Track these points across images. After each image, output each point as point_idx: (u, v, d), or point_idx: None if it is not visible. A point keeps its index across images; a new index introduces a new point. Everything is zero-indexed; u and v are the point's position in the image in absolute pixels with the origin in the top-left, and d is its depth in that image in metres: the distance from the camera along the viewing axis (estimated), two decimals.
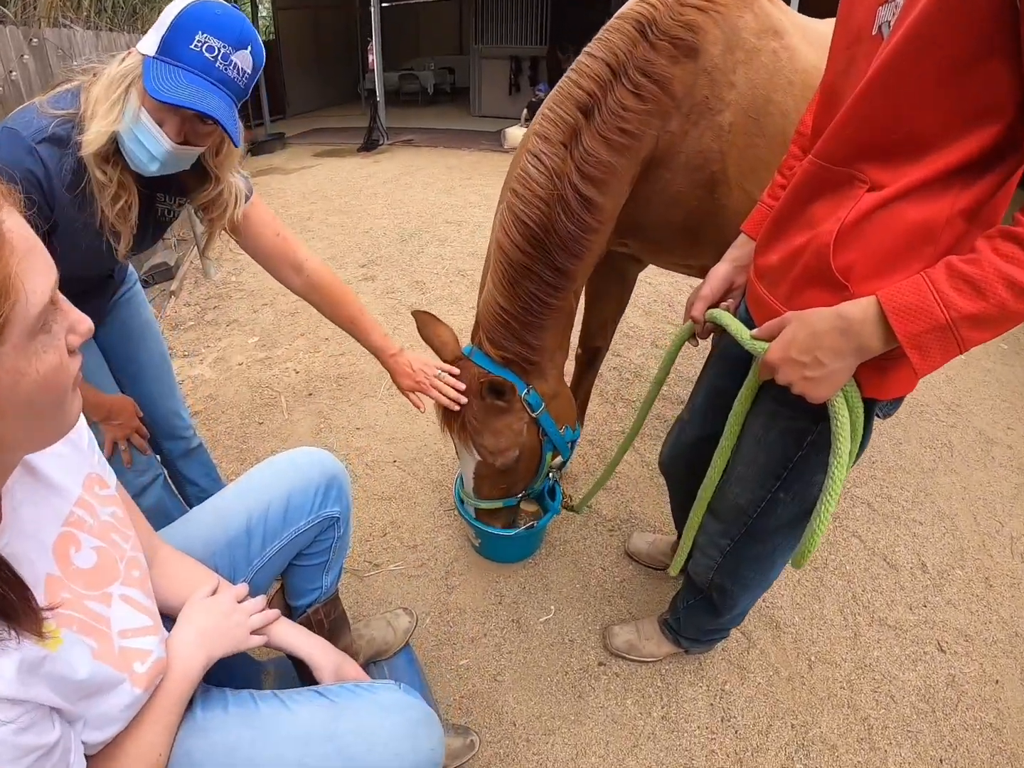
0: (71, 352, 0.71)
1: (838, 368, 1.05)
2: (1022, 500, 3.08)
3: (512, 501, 2.11)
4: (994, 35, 0.87)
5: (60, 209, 1.30)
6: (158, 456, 2.08)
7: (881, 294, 0.98)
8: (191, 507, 2.12)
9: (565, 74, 1.68)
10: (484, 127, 12.10)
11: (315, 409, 3.31)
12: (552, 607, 2.29)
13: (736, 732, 1.93)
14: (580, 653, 2.14)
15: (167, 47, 1.21)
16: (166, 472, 2.12)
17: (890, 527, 2.80)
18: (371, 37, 11.05)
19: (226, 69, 1.23)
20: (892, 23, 1.01)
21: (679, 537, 2.14)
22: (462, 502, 2.24)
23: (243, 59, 1.25)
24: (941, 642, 2.30)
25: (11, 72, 3.36)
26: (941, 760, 1.92)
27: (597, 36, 1.66)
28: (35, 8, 4.87)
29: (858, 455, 1.26)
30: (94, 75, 1.31)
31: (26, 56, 3.54)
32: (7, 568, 0.68)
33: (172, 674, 0.97)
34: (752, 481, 1.42)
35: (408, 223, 6.31)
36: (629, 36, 1.58)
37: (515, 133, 10.17)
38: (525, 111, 10.99)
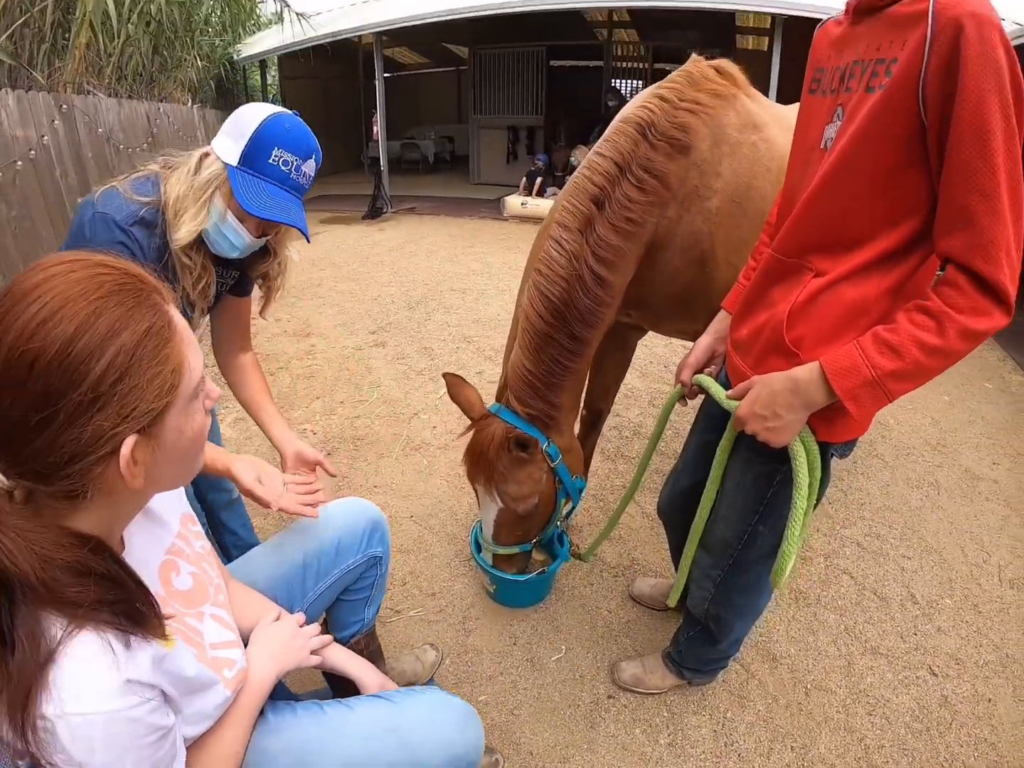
0: (207, 413, 0.94)
1: (792, 419, 1.33)
2: (1008, 531, 3.26)
3: (527, 547, 2.32)
4: (912, 150, 1.17)
5: None
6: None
7: (823, 359, 1.26)
8: (228, 555, 2.33)
9: (578, 169, 1.99)
10: (483, 195, 12.52)
11: (334, 469, 3.52)
12: (563, 647, 2.44)
13: (739, 756, 2.07)
14: (591, 687, 2.28)
15: (249, 160, 1.49)
16: (207, 521, 2.33)
17: (879, 563, 2.96)
18: (375, 109, 11.51)
19: (297, 178, 1.53)
20: (833, 137, 1.31)
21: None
22: (479, 550, 2.45)
23: (309, 167, 1.55)
24: (932, 666, 2.45)
25: (43, 137, 3.56)
26: None
27: (604, 137, 1.98)
28: (61, 74, 5.26)
29: (821, 490, 1.49)
30: (167, 167, 1.59)
31: (56, 121, 3.74)
32: (138, 582, 0.87)
33: (249, 684, 1.15)
34: (735, 518, 1.67)
35: (414, 290, 6.59)
36: (632, 138, 1.89)
37: (514, 202, 10.56)
38: (524, 179, 11.41)
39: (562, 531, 2.58)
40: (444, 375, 2.24)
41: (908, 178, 1.20)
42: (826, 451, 1.45)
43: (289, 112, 1.55)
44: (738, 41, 13.04)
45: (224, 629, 1.13)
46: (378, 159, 11.48)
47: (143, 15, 7.13)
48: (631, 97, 13.88)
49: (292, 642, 1.30)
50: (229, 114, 1.55)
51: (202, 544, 1.19)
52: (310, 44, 10.77)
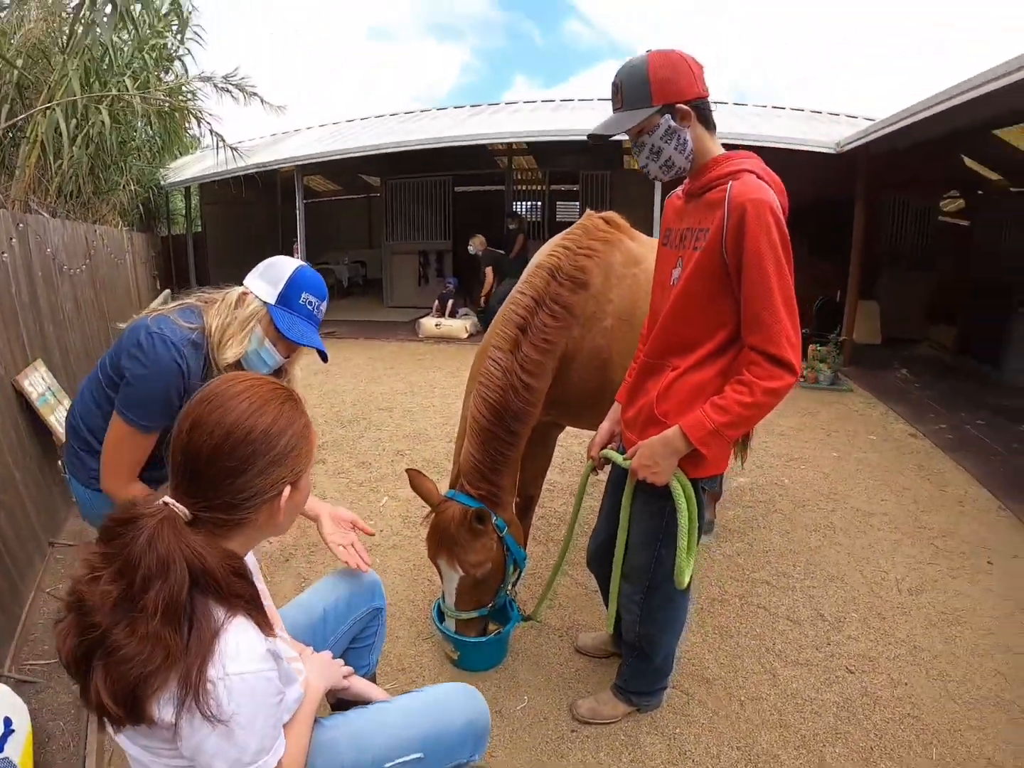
0: None
1: (667, 464, 1.93)
2: (902, 551, 3.83)
3: (484, 611, 2.69)
4: (723, 284, 1.85)
5: (192, 394, 2.02)
6: None
7: (681, 422, 1.88)
8: None
9: (507, 302, 2.64)
10: (398, 317, 12.96)
11: (294, 571, 3.73)
12: (525, 697, 2.71)
13: (693, 761, 2.38)
14: (555, 726, 2.56)
15: (285, 300, 1.99)
16: None
17: (789, 595, 3.43)
18: (296, 237, 11.95)
19: (318, 315, 2.07)
20: (677, 278, 1.98)
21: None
22: (442, 620, 2.78)
23: (324, 306, 2.09)
24: (849, 667, 2.88)
25: (3, 254, 3.64)
26: (871, 748, 2.44)
27: (522, 279, 2.69)
28: (8, 191, 5.40)
29: (701, 518, 2.04)
30: (204, 301, 2.07)
31: (14, 239, 3.84)
32: (258, 592, 1.24)
33: (308, 690, 1.47)
34: (642, 548, 2.18)
35: (344, 411, 6.89)
36: (544, 279, 2.58)
37: (428, 323, 11.07)
38: (436, 302, 11.92)
39: (511, 598, 2.95)
40: (407, 471, 2.67)
41: (723, 301, 1.87)
42: (696, 485, 2.02)
43: (307, 264, 2.08)
44: (625, 162, 14.10)
45: (289, 648, 1.46)
46: None
47: (85, 136, 7.49)
48: (533, 216, 14.77)
49: (330, 667, 1.64)
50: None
51: (262, 583, 1.53)
52: (238, 174, 11.33)
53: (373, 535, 2.40)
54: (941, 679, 2.84)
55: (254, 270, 2.07)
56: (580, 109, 13.03)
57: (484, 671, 2.89)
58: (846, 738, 2.49)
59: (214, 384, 1.24)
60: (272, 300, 1.98)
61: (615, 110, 1.91)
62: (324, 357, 2.11)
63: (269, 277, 2.01)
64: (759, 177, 1.81)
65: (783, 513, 4.34)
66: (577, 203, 14.05)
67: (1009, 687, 2.81)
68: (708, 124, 1.91)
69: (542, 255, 2.73)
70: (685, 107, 1.83)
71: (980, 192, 11.92)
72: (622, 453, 2.20)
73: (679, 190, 2.13)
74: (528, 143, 12.83)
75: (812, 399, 7.38)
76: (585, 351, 2.66)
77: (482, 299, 11.22)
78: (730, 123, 9.92)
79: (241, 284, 2.06)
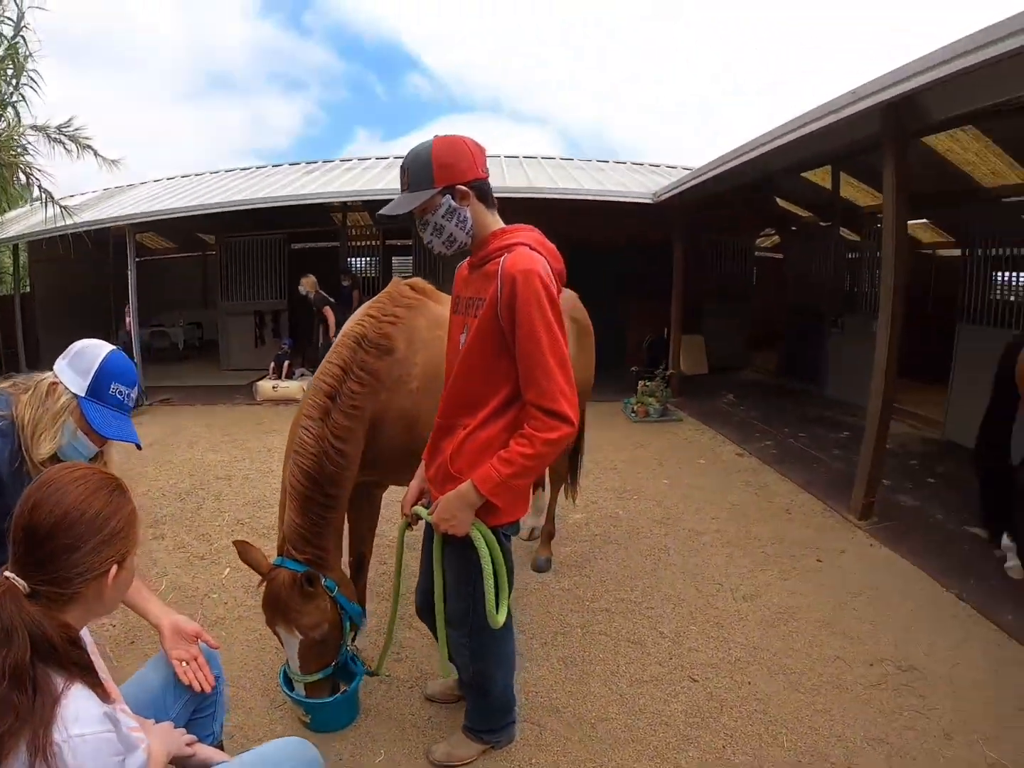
0: None
1: (463, 516, 2.06)
2: (735, 563, 4.15)
3: (330, 670, 2.68)
4: (501, 346, 2.02)
5: (4, 481, 1.90)
6: None
7: (473, 477, 2.01)
8: None
9: (317, 373, 2.72)
10: (235, 380, 12.36)
11: (140, 654, 3.51)
12: (382, 751, 2.69)
13: None
14: None
15: (94, 392, 1.97)
16: None
17: (629, 619, 3.60)
18: (128, 300, 11.22)
19: (128, 403, 2.05)
20: (464, 342, 2.12)
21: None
22: (291, 687, 2.74)
23: (134, 393, 2.08)
24: (692, 676, 3.08)
25: None
26: (724, 747, 2.64)
27: (332, 348, 2.76)
28: None
29: (508, 561, 2.21)
30: (16, 387, 2.02)
31: None
32: (92, 661, 1.32)
33: (151, 759, 1.49)
34: (458, 595, 2.29)
35: (182, 482, 6.55)
36: (351, 347, 2.68)
37: (265, 386, 10.68)
38: (272, 363, 11.63)
39: (353, 654, 2.96)
40: (234, 543, 2.63)
41: (503, 363, 2.03)
42: (497, 532, 2.16)
43: (117, 349, 2.07)
44: None
45: (129, 719, 1.49)
46: (130, 349, 11.02)
47: None
48: (369, 272, 14.71)
49: (172, 735, 1.70)
50: None
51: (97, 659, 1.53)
52: (68, 232, 10.54)
53: (218, 648, 2.33)
54: (783, 673, 3.11)
55: (64, 355, 2.03)
56: None
57: (338, 730, 2.85)
58: (697, 742, 2.67)
59: (53, 471, 1.39)
60: (82, 392, 1.96)
61: (402, 191, 2.09)
62: (138, 446, 2.10)
63: (78, 367, 1.99)
64: (532, 248, 2.03)
65: (618, 543, 4.56)
66: (411, 257, 14.14)
67: (849, 669, 3.15)
68: (487, 201, 2.11)
69: (350, 323, 2.86)
70: (464, 188, 2.03)
71: (793, 228, 13.25)
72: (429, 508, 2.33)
73: (466, 260, 2.32)
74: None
75: (644, 432, 7.82)
76: (393, 414, 2.79)
77: (331, 336, 11.04)
78: (555, 179, 10.49)
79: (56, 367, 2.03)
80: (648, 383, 8.53)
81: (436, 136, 2.05)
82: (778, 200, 12.55)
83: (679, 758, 2.58)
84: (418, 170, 2.03)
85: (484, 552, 2.09)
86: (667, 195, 9.06)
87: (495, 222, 2.14)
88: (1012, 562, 4.18)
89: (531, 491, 2.29)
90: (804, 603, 3.73)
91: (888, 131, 4.76)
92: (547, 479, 4.32)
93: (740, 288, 13.07)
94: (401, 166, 2.09)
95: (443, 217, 2.05)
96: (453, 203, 2.03)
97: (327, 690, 2.74)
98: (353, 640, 2.88)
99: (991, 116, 6.33)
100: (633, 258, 11.55)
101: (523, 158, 13.28)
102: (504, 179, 10.00)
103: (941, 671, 3.17)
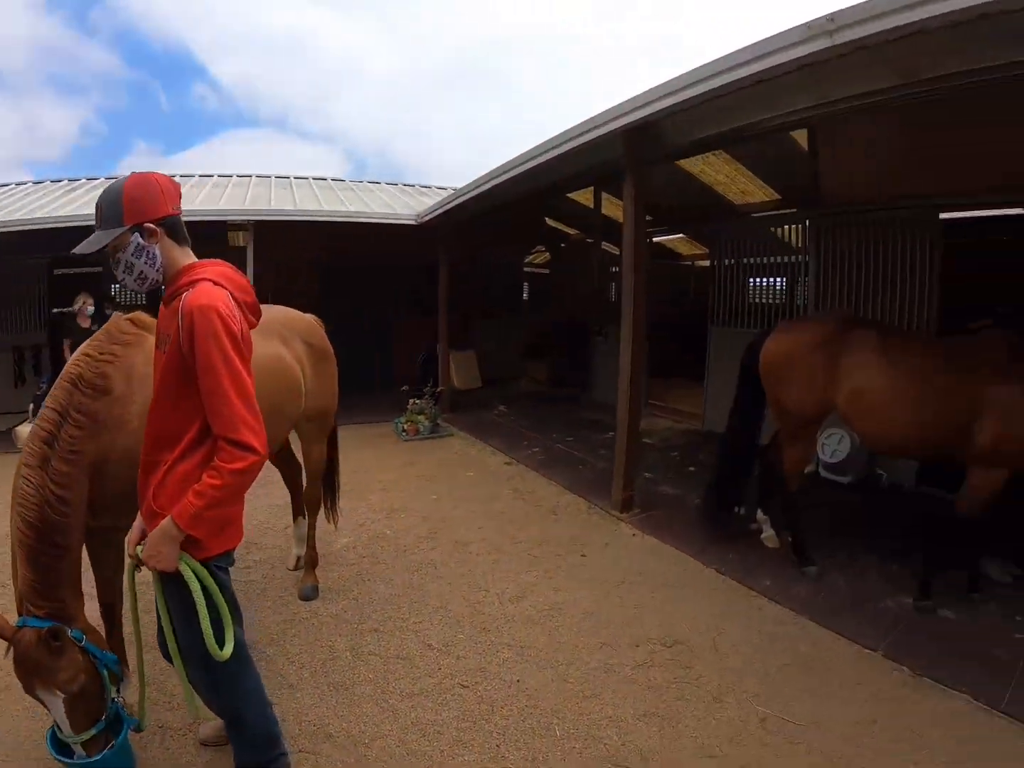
0: None
1: (168, 551, 2.04)
2: (501, 567, 4.26)
3: (102, 724, 2.49)
4: (187, 380, 2.02)
5: None
6: None
7: (172, 512, 2.00)
8: None
9: (36, 419, 2.58)
10: None
11: None
12: None
13: None
14: None
15: None
16: None
17: (397, 636, 3.57)
18: None
19: None
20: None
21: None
22: (58, 750, 2.50)
23: None
24: (462, 683, 3.10)
25: None
26: (498, 746, 2.70)
27: (50, 393, 2.63)
28: None
29: (226, 593, 2.19)
30: None
31: None
32: None
33: None
34: (183, 631, 2.23)
35: None
36: (67, 390, 2.57)
37: (24, 432, 9.58)
38: (31, 405, 10.51)
39: (119, 705, 2.75)
40: None
41: (189, 396, 2.04)
42: (208, 565, 2.15)
43: None
44: (231, 239, 13.86)
45: None
46: None
47: None
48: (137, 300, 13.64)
49: None
50: None
51: None
52: None
53: None
54: (551, 667, 3.22)
55: None
56: (195, 186, 12.59)
57: None
58: (471, 746, 2.69)
59: None
60: None
61: (96, 229, 2.09)
62: None
63: None
64: (215, 283, 2.08)
65: (386, 562, 4.53)
66: None
67: (616, 653, 3.33)
68: (178, 238, 2.15)
69: (68, 364, 2.75)
70: (153, 226, 2.07)
71: (563, 244, 14.04)
72: None
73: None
74: None
75: (414, 450, 7.84)
76: (116, 455, 2.69)
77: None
78: (321, 202, 10.33)
79: None
80: (417, 401, 8.59)
81: (132, 173, 2.10)
82: (547, 219, 13.26)
83: (454, 764, 2.60)
84: (109, 207, 2.06)
85: (195, 586, 2.08)
86: (430, 216, 9.20)
87: (185, 258, 2.18)
88: (767, 532, 4.72)
89: (239, 520, 2.27)
90: (569, 598, 3.91)
91: (627, 155, 5.18)
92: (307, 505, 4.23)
93: (513, 303, 13.69)
94: (96, 203, 2.10)
95: (132, 255, 2.08)
96: (142, 241, 2.07)
97: (103, 744, 2.55)
98: (118, 692, 2.68)
99: (738, 141, 7.16)
100: (406, 277, 11.74)
101: (294, 179, 13.11)
102: (270, 201, 9.80)
103: (706, 641, 3.47)
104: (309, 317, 3.98)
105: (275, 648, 3.41)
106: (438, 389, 9.14)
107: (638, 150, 5.13)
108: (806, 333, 4.46)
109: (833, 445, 6.42)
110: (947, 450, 4.09)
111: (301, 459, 4.12)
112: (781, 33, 3.49)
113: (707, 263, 12.11)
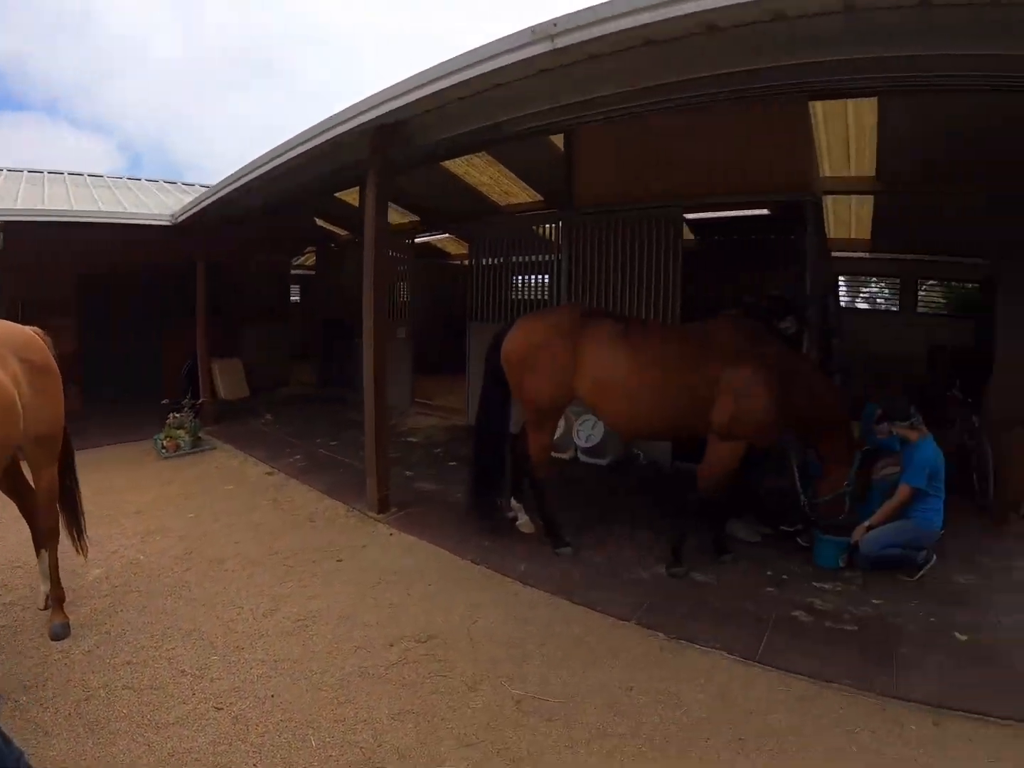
0: None
1: None
2: (255, 580, 4.27)
3: None
4: None
5: None
6: None
7: None
8: None
9: None
10: None
11: None
12: None
13: None
14: None
15: None
16: None
17: (150, 666, 3.42)
18: None
19: None
20: None
21: None
22: None
23: None
24: (217, 705, 3.08)
25: None
26: (255, 764, 2.69)
27: None
28: None
29: None
30: None
31: None
32: None
33: None
34: None
35: None
36: None
37: None
38: None
39: None
40: None
41: None
42: None
43: None
44: None
45: None
46: None
47: None
48: None
49: None
50: None
51: None
52: None
53: None
54: (305, 677, 3.27)
55: None
56: None
57: None
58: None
59: None
60: None
61: None
62: None
63: None
64: None
65: (140, 590, 4.31)
66: None
67: (370, 655, 3.44)
68: None
69: None
70: None
71: (333, 245, 13.79)
72: None
73: None
74: None
75: (173, 468, 7.45)
76: None
77: None
78: (73, 201, 9.44)
79: None
80: (176, 415, 8.11)
81: None
82: (317, 220, 12.95)
83: None
84: None
85: None
86: (185, 216, 8.67)
87: None
88: (522, 519, 5.04)
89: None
90: (324, 605, 3.97)
91: (371, 154, 5.24)
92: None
93: (280, 307, 13.23)
94: None
95: None
96: None
97: None
98: None
99: (493, 144, 7.46)
100: (174, 282, 10.70)
101: (48, 174, 11.77)
102: (16, 199, 8.76)
103: (460, 632, 3.67)
104: (28, 330, 3.65)
105: (28, 695, 3.15)
106: (199, 401, 8.73)
107: (380, 149, 5.23)
108: (546, 324, 4.78)
109: (587, 430, 6.98)
110: (687, 430, 4.60)
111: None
112: (509, 36, 3.73)
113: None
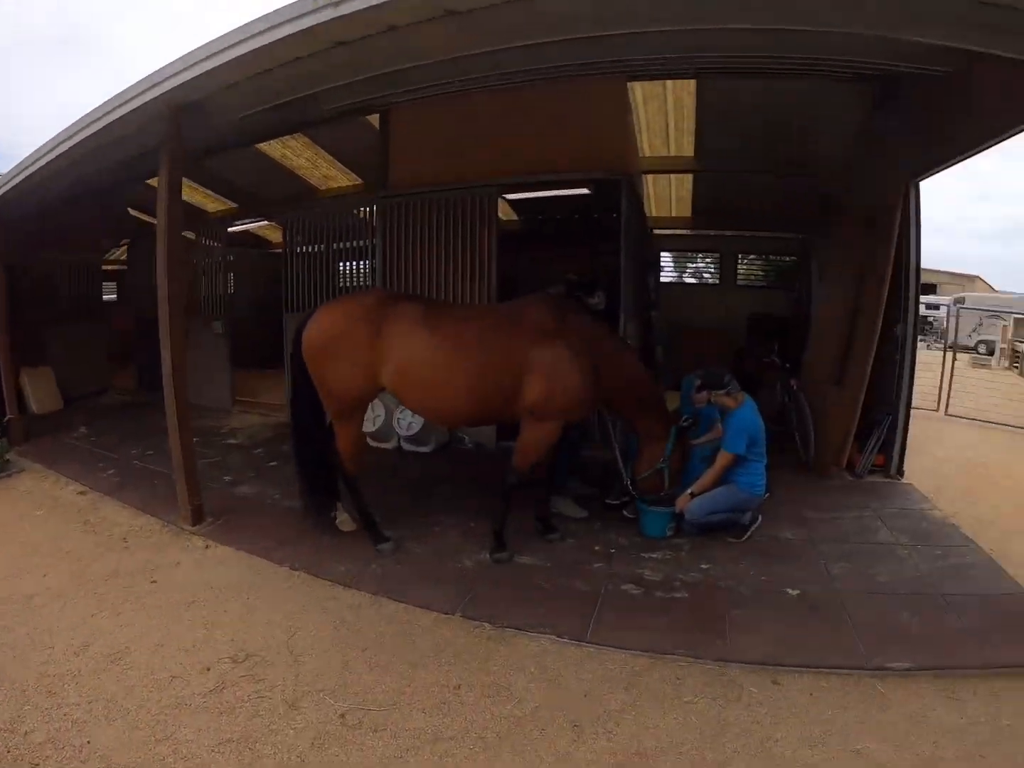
0: None
1: None
2: (67, 616, 3.92)
3: None
4: None
5: None
6: None
7: None
8: None
9: None
10: None
11: None
12: None
13: None
14: None
15: None
16: None
17: None
18: None
19: None
20: None
21: None
22: None
23: None
24: (33, 761, 2.78)
25: None
26: None
27: None
28: None
29: None
30: None
31: None
32: None
33: None
34: None
35: None
36: None
37: None
38: None
39: None
40: None
41: None
42: None
43: None
44: None
45: None
46: None
47: None
48: None
49: None
50: None
51: None
52: None
53: None
54: (121, 716, 3.03)
55: None
56: None
57: None
58: None
59: None
60: None
61: None
62: None
63: None
64: None
65: None
66: None
67: (186, 684, 3.22)
68: None
69: None
70: None
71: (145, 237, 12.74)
72: None
73: None
74: None
75: None
76: None
77: None
78: None
79: None
80: None
81: None
82: (131, 210, 12.01)
83: None
84: None
85: None
86: None
87: None
88: (341, 516, 4.91)
89: None
90: (138, 633, 3.71)
91: (164, 137, 4.88)
92: None
93: (94, 306, 12.18)
94: None
95: None
96: None
97: None
98: None
99: (313, 125, 7.30)
100: None
101: None
102: None
103: (280, 647, 3.52)
104: None
105: None
106: (5, 419, 7.97)
107: (173, 130, 4.85)
108: (346, 311, 4.61)
109: (408, 418, 6.97)
110: (500, 414, 4.58)
111: None
112: (292, 4, 3.58)
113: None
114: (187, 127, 4.90)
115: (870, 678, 3.33)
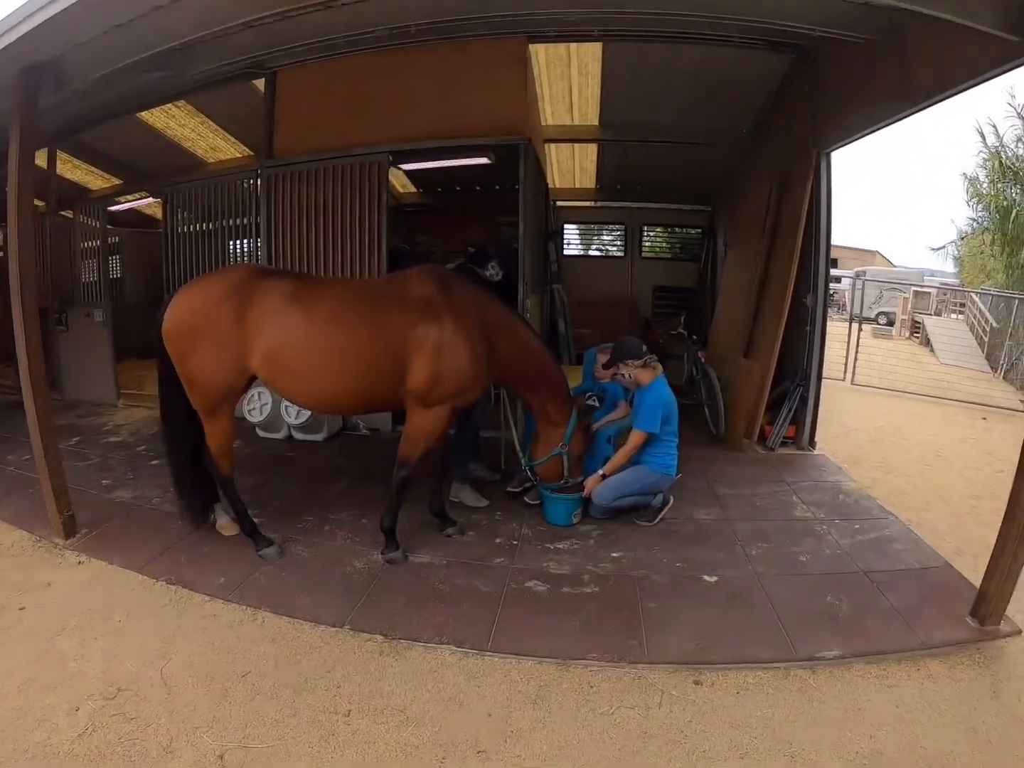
0: None
1: None
2: None
3: None
4: None
5: None
6: None
7: None
8: None
9: None
10: None
11: None
12: None
13: None
14: None
15: None
16: None
17: None
18: None
19: None
20: None
21: None
22: None
23: None
24: None
25: None
26: None
27: None
28: None
29: None
30: None
31: None
32: None
33: None
34: None
35: None
36: None
37: None
38: None
39: None
40: None
41: None
42: None
43: None
44: None
45: None
46: None
47: None
48: None
49: None
50: None
51: None
52: None
53: None
54: None
55: None
56: None
57: None
58: None
59: None
60: None
61: None
62: None
63: None
64: None
65: None
66: None
67: (55, 728, 2.79)
68: None
69: None
70: None
71: None
72: None
73: None
74: None
75: None
76: None
77: None
78: None
79: None
80: None
81: None
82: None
83: None
84: None
85: None
86: None
87: None
88: (221, 520, 4.46)
89: None
90: (4, 671, 3.21)
91: (14, 104, 4.27)
92: None
93: None
94: None
95: None
96: None
97: None
98: None
99: (200, 90, 6.81)
100: None
101: None
102: None
103: (153, 677, 3.12)
104: None
105: None
106: None
107: (25, 96, 4.25)
108: (207, 291, 4.09)
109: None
110: (386, 400, 4.20)
111: None
112: None
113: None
114: (38, 93, 4.32)
115: (799, 670, 3.20)
